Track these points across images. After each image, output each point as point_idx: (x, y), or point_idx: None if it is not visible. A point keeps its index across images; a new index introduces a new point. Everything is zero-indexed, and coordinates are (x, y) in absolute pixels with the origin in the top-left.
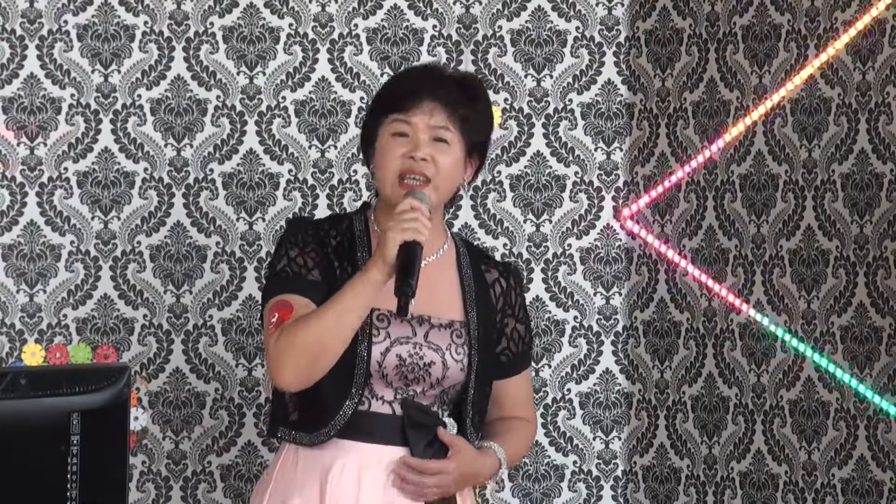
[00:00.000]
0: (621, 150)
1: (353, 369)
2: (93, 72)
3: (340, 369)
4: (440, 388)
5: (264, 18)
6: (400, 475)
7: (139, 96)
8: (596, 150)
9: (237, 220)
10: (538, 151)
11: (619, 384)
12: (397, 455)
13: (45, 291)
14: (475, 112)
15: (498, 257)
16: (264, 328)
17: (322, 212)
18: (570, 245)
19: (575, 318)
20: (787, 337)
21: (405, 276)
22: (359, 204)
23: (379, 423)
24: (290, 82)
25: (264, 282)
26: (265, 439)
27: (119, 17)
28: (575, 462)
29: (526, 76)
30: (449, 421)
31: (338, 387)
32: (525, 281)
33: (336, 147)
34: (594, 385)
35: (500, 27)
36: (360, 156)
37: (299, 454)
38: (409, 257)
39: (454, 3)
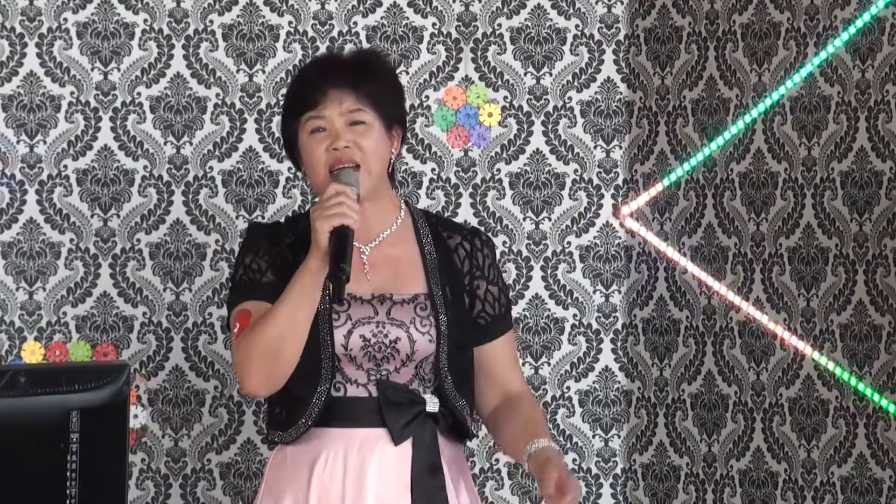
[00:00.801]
0: (621, 147)
1: (319, 356)
2: (92, 69)
3: (308, 359)
4: (412, 363)
5: (264, 16)
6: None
7: (139, 94)
8: (595, 147)
9: (237, 217)
10: (537, 149)
11: (619, 382)
12: (378, 437)
13: (44, 289)
14: (381, 85)
15: (498, 254)
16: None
17: None
18: (569, 243)
19: (574, 315)
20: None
21: (336, 262)
22: None
23: (357, 407)
24: (289, 80)
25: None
26: (264, 437)
27: (119, 14)
28: (574, 460)
29: (525, 74)
30: (430, 397)
31: (308, 376)
32: (495, 246)
33: None
34: (593, 383)
35: (499, 25)
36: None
37: (286, 452)
38: (340, 242)
39: (454, 1)
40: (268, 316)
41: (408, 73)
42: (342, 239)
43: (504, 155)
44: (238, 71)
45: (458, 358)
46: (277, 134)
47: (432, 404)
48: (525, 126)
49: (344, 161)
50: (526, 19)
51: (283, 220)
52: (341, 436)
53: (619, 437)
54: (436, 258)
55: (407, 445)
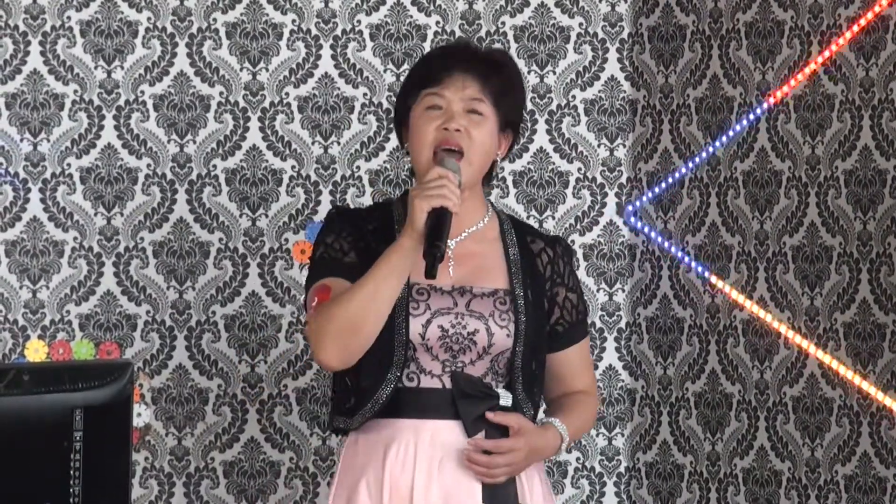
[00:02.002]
0: (624, 146)
1: (392, 345)
2: (96, 68)
3: (382, 347)
4: (489, 356)
5: (267, 14)
6: (470, 458)
7: (142, 92)
8: (599, 146)
9: (240, 216)
10: (541, 148)
11: (623, 380)
12: (450, 429)
13: (48, 287)
14: (507, 86)
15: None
16: (307, 315)
17: (325, 208)
18: (573, 241)
19: None
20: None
21: (432, 239)
22: (362, 201)
23: (430, 398)
24: (293, 78)
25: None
26: (268, 435)
27: (122, 13)
28: (578, 458)
29: (529, 72)
30: (503, 391)
31: (381, 364)
32: (574, 254)
33: (339, 143)
34: (597, 381)
35: (503, 23)
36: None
37: (359, 439)
38: (438, 222)
39: (457, 0)
40: (352, 289)
41: None
42: (441, 219)
43: (507, 153)
44: (241, 69)
45: (531, 360)
46: (281, 132)
47: (505, 398)
48: (529, 124)
49: (451, 143)
50: (529, 18)
51: (365, 207)
52: (411, 426)
53: (622, 435)
54: (519, 260)
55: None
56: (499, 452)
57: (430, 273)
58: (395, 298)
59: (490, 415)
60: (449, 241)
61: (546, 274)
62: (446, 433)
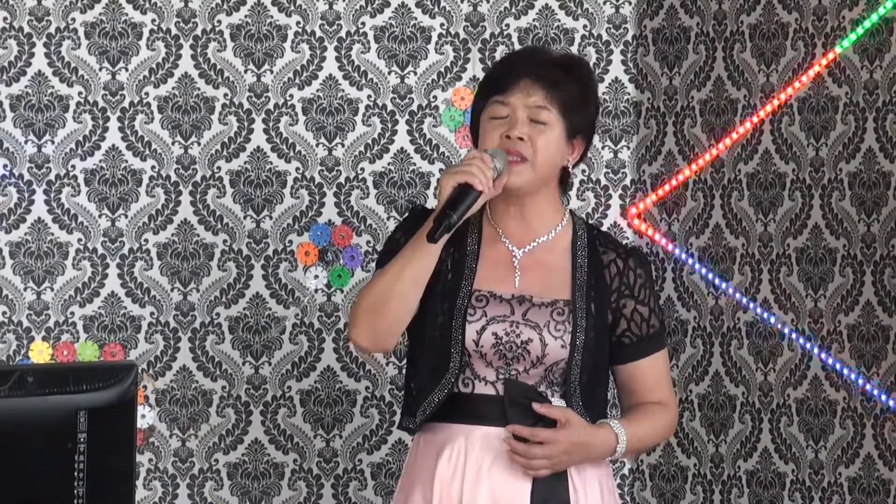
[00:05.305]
0: (628, 148)
1: (449, 350)
2: (100, 69)
3: (439, 351)
4: (542, 366)
5: (272, 16)
6: (509, 445)
7: (147, 94)
8: (603, 148)
9: (244, 217)
10: None
11: None
12: (500, 436)
13: (52, 289)
14: (575, 92)
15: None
16: None
17: (329, 210)
18: None
19: None
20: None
21: (445, 207)
22: (366, 203)
23: (483, 405)
24: (297, 80)
25: None
26: (272, 437)
27: (127, 14)
28: None
29: None
30: (558, 401)
31: (437, 368)
32: (651, 267)
33: (343, 145)
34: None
35: (507, 25)
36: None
37: (420, 441)
38: (458, 195)
39: (462, 2)
40: (382, 270)
41: (416, 73)
42: (462, 194)
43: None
44: (246, 71)
45: (591, 373)
46: (285, 134)
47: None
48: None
49: (512, 152)
50: (534, 20)
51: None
52: (464, 432)
53: None
54: (586, 271)
55: None
56: (536, 442)
57: (431, 237)
58: (420, 280)
59: (536, 406)
60: (516, 250)
61: (613, 286)
62: (497, 439)
